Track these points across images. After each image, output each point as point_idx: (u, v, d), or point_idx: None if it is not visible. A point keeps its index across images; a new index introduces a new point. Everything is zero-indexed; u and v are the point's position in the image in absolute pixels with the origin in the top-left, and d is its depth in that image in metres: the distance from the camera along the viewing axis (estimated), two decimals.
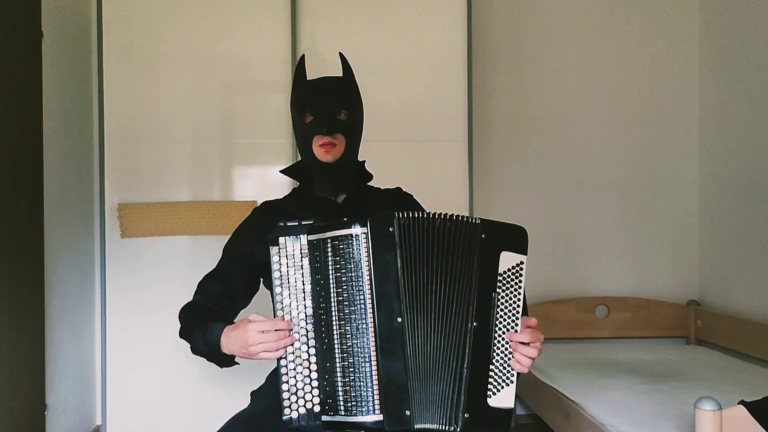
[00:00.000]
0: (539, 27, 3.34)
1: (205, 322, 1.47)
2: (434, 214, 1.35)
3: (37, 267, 2.31)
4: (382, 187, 1.74)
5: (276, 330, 1.32)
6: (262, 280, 1.63)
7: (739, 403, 1.69)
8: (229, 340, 1.40)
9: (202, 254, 2.73)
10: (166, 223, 2.72)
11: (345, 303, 1.30)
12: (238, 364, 1.49)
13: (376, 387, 1.28)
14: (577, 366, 2.74)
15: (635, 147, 3.38)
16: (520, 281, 1.37)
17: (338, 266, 1.31)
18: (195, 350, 1.51)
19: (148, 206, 2.71)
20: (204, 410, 2.71)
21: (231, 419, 1.48)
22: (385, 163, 2.81)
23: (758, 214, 2.93)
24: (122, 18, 2.73)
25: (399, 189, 1.72)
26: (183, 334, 1.55)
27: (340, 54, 1.76)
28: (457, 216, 1.35)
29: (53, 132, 2.58)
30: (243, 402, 1.61)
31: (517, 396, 1.39)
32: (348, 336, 1.30)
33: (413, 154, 2.81)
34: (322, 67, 2.73)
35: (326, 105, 1.59)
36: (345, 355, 1.30)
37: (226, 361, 1.47)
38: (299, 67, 1.70)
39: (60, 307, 2.63)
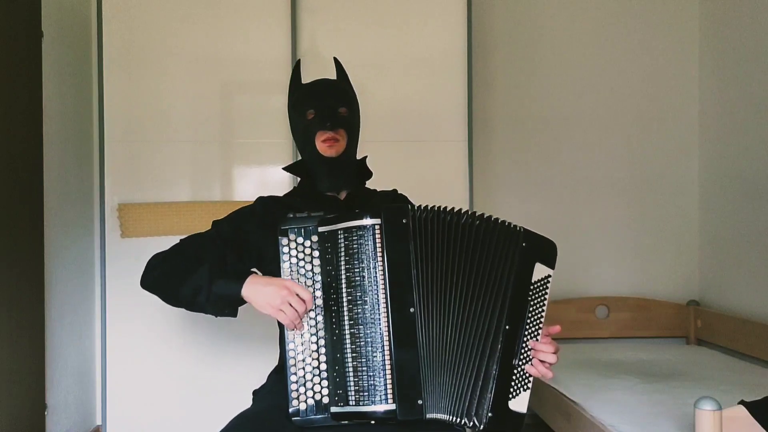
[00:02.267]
0: (539, 27, 3.35)
1: (214, 261, 1.42)
2: (460, 210, 1.37)
3: (37, 267, 2.31)
4: (379, 189, 1.75)
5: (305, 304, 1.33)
6: (258, 271, 1.62)
7: (739, 403, 1.69)
8: (258, 282, 1.36)
9: None
10: (166, 223, 2.72)
11: (357, 294, 1.32)
12: (235, 316, 1.45)
13: (388, 376, 1.29)
14: (577, 366, 2.74)
15: (635, 147, 3.38)
16: (547, 293, 1.40)
17: (349, 257, 1.32)
18: (179, 290, 1.42)
19: (148, 206, 2.71)
20: (204, 410, 2.71)
21: (236, 417, 1.47)
22: (385, 163, 2.81)
23: (758, 214, 2.93)
24: (122, 18, 2.73)
25: (395, 191, 1.74)
26: (165, 273, 1.45)
27: (335, 58, 1.77)
28: (496, 218, 1.38)
29: (53, 132, 2.58)
30: (244, 401, 1.61)
31: None
32: (359, 326, 1.31)
33: (413, 154, 2.81)
34: (322, 67, 2.74)
35: (327, 101, 1.60)
36: (355, 345, 1.31)
37: (224, 306, 1.42)
38: (295, 72, 1.71)
39: (60, 307, 2.63)
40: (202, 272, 1.39)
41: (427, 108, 2.82)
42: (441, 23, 2.82)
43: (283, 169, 1.70)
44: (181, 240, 1.55)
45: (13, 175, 2.12)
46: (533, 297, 1.38)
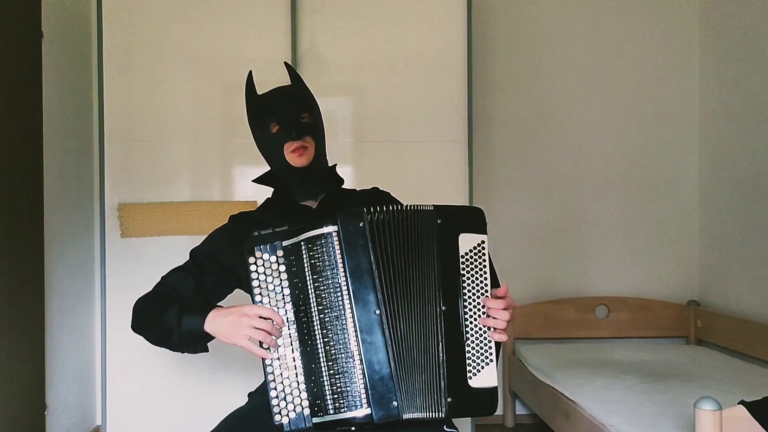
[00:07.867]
0: (539, 27, 3.35)
1: (184, 301, 1.44)
2: (406, 205, 1.38)
3: (37, 267, 2.31)
4: (370, 188, 1.71)
5: (271, 321, 1.32)
6: (238, 289, 1.61)
7: (739, 403, 1.69)
8: (218, 315, 1.37)
9: None
10: (166, 223, 2.72)
11: (324, 303, 1.32)
12: (207, 351, 1.46)
13: (361, 382, 1.30)
14: (576, 366, 2.74)
15: (635, 147, 3.38)
16: (484, 261, 1.38)
17: (314, 267, 1.33)
18: (158, 332, 1.45)
19: (148, 206, 2.72)
20: (203, 410, 2.71)
21: (225, 419, 1.49)
22: (385, 163, 2.82)
23: (758, 214, 2.93)
24: (122, 18, 2.73)
25: (375, 189, 1.71)
26: (145, 316, 1.48)
27: (286, 63, 1.75)
28: (416, 205, 1.38)
29: (53, 132, 2.58)
30: (241, 402, 1.61)
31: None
32: (330, 335, 1.31)
33: (413, 154, 2.81)
34: (322, 67, 2.74)
35: (289, 111, 1.57)
36: (329, 354, 1.31)
37: (195, 342, 1.43)
38: (249, 84, 1.66)
39: (60, 307, 2.63)
40: (171, 313, 1.42)
41: (427, 108, 2.82)
42: (441, 23, 2.82)
43: (253, 181, 1.67)
44: (162, 277, 1.57)
45: (13, 175, 2.12)
46: (468, 268, 1.37)
